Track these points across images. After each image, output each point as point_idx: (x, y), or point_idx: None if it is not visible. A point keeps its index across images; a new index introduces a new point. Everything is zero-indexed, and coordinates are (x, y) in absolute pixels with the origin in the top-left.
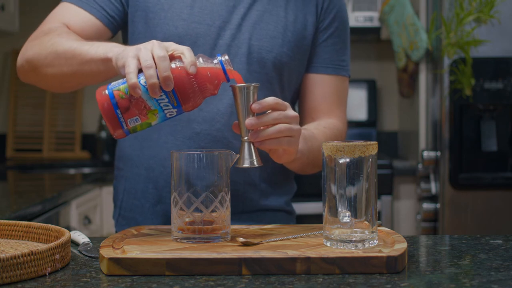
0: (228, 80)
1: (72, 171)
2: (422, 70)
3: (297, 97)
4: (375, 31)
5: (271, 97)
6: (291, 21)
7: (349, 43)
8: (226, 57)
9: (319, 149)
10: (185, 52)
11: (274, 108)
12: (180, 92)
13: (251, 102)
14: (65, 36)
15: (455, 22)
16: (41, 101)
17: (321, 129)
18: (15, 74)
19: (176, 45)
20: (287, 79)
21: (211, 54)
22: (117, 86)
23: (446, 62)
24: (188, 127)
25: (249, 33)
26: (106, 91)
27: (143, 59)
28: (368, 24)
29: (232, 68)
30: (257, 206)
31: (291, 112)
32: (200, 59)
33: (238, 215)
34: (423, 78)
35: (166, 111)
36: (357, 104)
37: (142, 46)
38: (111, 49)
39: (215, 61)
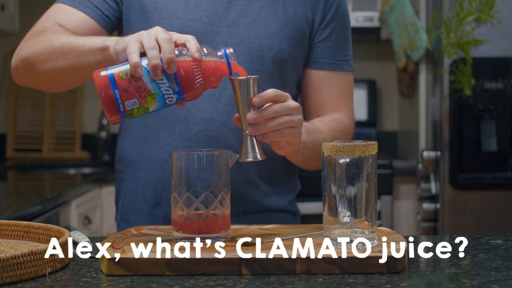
0: (231, 73)
1: (72, 171)
2: (422, 70)
3: (297, 92)
4: (375, 31)
5: (271, 89)
6: (290, 17)
7: (350, 36)
8: (231, 50)
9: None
10: (190, 39)
11: (275, 100)
12: (182, 78)
13: (251, 95)
14: (60, 33)
15: (455, 22)
16: (41, 101)
17: (325, 122)
18: None
19: (179, 34)
20: (287, 76)
21: None
22: (117, 68)
23: (446, 62)
24: (186, 128)
25: (247, 30)
26: (106, 72)
27: (146, 42)
28: (368, 24)
29: (236, 62)
30: (259, 207)
31: (292, 103)
32: (205, 49)
33: (240, 217)
34: (423, 78)
35: (166, 96)
36: (357, 104)
37: (144, 31)
38: (109, 39)
39: (220, 53)
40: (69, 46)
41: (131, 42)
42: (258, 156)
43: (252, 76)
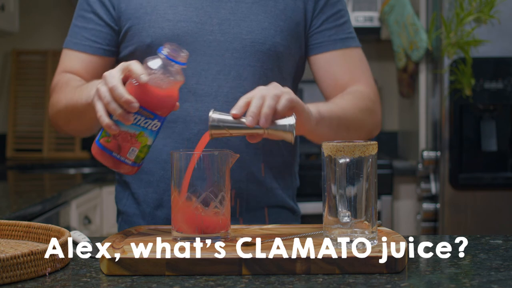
0: (183, 64)
1: (72, 171)
2: (422, 70)
3: (295, 86)
4: (375, 31)
5: (240, 100)
6: (282, 10)
7: (348, 16)
8: (167, 47)
9: (344, 111)
10: (131, 66)
11: (249, 102)
12: (147, 104)
13: (229, 117)
14: (63, 90)
15: (455, 22)
16: (41, 101)
17: (340, 96)
18: (15, 74)
19: (125, 63)
20: (284, 69)
21: (204, 52)
22: (100, 134)
23: (446, 62)
24: (185, 128)
25: (239, 26)
26: (95, 144)
27: (102, 97)
28: (368, 24)
29: (180, 49)
30: (261, 203)
31: (260, 89)
32: (148, 63)
33: (242, 214)
34: (423, 78)
35: (149, 127)
36: None
37: (99, 85)
38: (89, 94)
39: (161, 57)
40: (70, 108)
41: (96, 105)
42: (292, 122)
43: (210, 123)
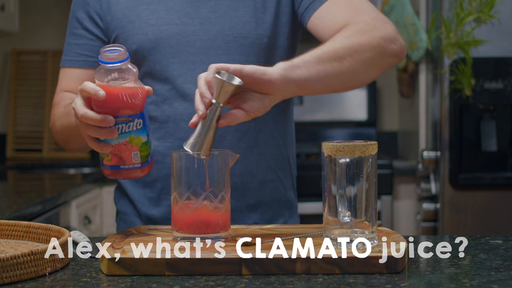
0: (124, 60)
1: (72, 171)
2: (422, 70)
3: None
4: None
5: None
6: (261, 2)
7: None
8: (102, 53)
9: (324, 47)
10: (84, 88)
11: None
12: (118, 111)
13: (195, 132)
14: (57, 112)
15: (455, 22)
16: (41, 101)
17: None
18: (15, 74)
19: (79, 88)
20: (272, 60)
21: (189, 52)
22: (101, 157)
23: (446, 62)
24: (176, 128)
25: (220, 24)
26: (103, 167)
27: (81, 128)
28: None
29: (114, 48)
30: (257, 196)
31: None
32: (96, 76)
33: (241, 210)
34: (423, 78)
35: (135, 128)
36: (357, 104)
37: (75, 119)
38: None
39: (102, 65)
40: (65, 131)
41: (82, 132)
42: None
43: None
